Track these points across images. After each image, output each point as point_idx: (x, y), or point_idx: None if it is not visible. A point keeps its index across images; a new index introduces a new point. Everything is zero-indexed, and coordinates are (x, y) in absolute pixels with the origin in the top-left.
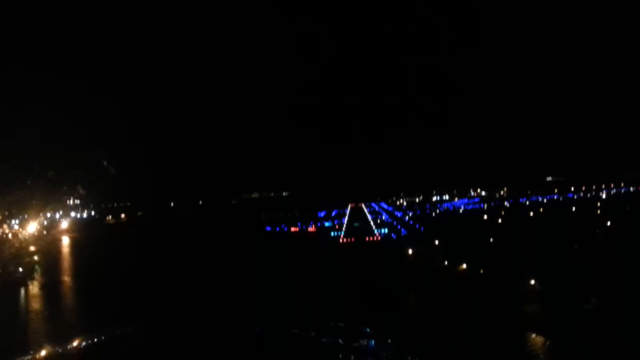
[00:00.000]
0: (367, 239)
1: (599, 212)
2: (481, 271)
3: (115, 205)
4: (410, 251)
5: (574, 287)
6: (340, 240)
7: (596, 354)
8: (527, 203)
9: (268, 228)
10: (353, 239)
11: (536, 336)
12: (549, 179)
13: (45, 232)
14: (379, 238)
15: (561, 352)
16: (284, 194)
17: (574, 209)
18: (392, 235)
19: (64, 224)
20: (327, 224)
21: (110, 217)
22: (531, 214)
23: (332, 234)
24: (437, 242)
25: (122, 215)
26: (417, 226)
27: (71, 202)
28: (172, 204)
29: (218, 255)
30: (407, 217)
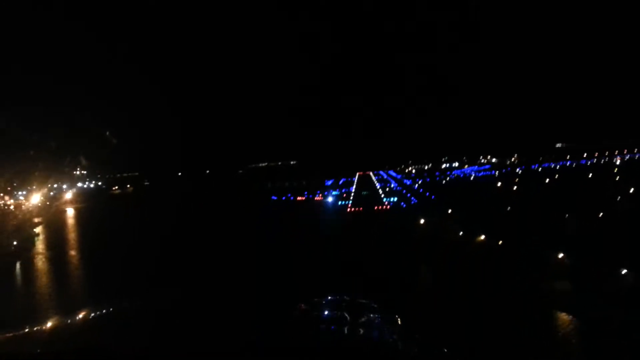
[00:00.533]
0: (375, 208)
1: (618, 178)
2: (500, 242)
3: (122, 175)
4: (421, 221)
5: (605, 260)
6: (348, 210)
7: (631, 335)
8: (540, 170)
9: (274, 197)
10: (361, 209)
11: (565, 315)
12: (559, 145)
13: (48, 203)
14: (388, 207)
15: (593, 333)
16: (292, 163)
17: (590, 175)
18: (402, 204)
19: (69, 195)
20: (334, 193)
21: (116, 187)
22: (547, 180)
23: (339, 202)
24: (450, 211)
25: (128, 185)
26: (427, 194)
27: (77, 172)
28: (179, 174)
29: (222, 225)
30: (416, 185)
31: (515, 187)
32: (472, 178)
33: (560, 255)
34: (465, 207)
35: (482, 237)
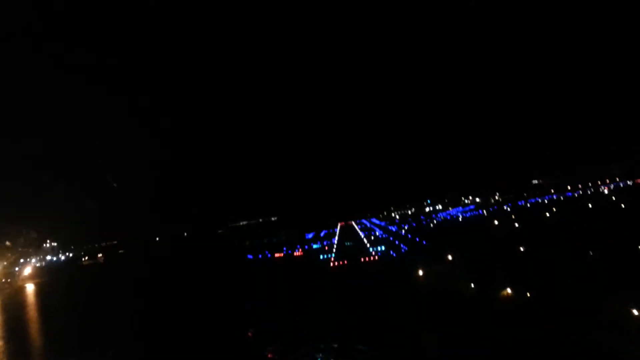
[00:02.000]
0: (362, 259)
1: (623, 206)
2: (528, 295)
3: (99, 245)
4: (420, 272)
5: None
6: (331, 264)
7: None
8: (528, 205)
9: (249, 256)
10: (346, 262)
11: None
12: (535, 181)
13: (4, 280)
14: (376, 258)
15: None
16: (272, 219)
17: (590, 205)
18: (392, 252)
19: (27, 270)
20: (315, 246)
21: (86, 257)
22: (547, 214)
23: (321, 256)
24: (450, 257)
25: (99, 255)
26: (417, 240)
27: (47, 245)
28: (157, 239)
29: (189, 298)
30: (403, 231)
31: (516, 225)
32: (460, 219)
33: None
34: (466, 251)
35: (506, 290)
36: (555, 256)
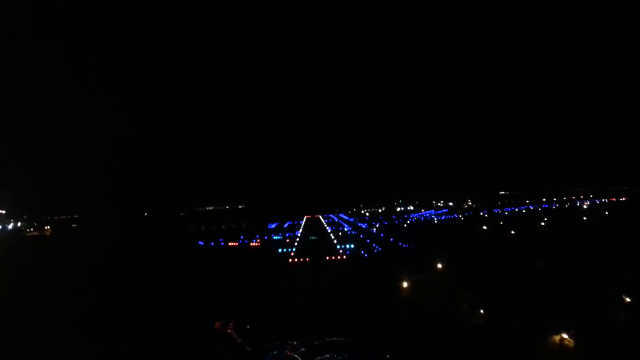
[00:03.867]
0: (327, 258)
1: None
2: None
3: (53, 218)
4: (397, 280)
5: None
6: (290, 260)
7: None
8: (505, 213)
9: (201, 243)
10: (308, 259)
11: None
12: (502, 192)
13: None
14: (344, 257)
15: None
16: (240, 207)
17: (584, 216)
18: (362, 253)
19: None
20: (275, 238)
21: (31, 229)
22: (542, 223)
23: (280, 250)
24: (433, 264)
25: (47, 227)
26: (391, 240)
27: None
28: (116, 216)
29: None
30: (374, 229)
31: (508, 232)
32: (435, 221)
33: None
34: (453, 258)
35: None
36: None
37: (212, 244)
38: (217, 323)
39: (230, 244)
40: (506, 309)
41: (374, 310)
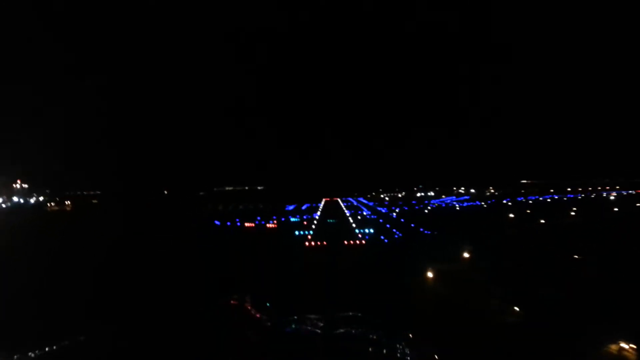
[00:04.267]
0: (345, 242)
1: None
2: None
3: (76, 193)
4: (421, 269)
5: None
6: (307, 244)
7: None
8: (530, 202)
9: (217, 222)
10: (325, 243)
11: None
12: (524, 181)
13: None
14: (363, 242)
15: None
16: (259, 188)
17: (615, 207)
18: (382, 238)
19: None
20: (293, 220)
21: (52, 204)
22: (572, 213)
23: (296, 233)
24: (465, 254)
25: (67, 202)
26: (412, 226)
27: (17, 185)
28: (136, 193)
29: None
30: (394, 214)
31: (541, 221)
32: (458, 208)
33: None
34: (486, 248)
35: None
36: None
37: (228, 223)
38: (232, 299)
39: (246, 224)
40: (544, 307)
41: (395, 301)
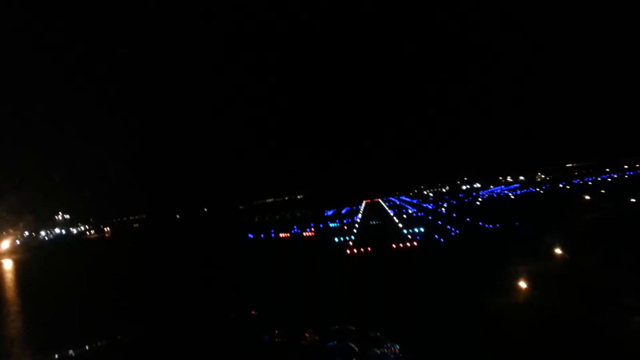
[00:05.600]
0: (393, 246)
1: None
2: None
3: (116, 219)
4: (520, 283)
5: None
6: (348, 252)
7: None
8: (590, 183)
9: (250, 235)
10: (370, 249)
11: None
12: (569, 165)
13: None
14: (415, 244)
15: None
16: (299, 197)
17: None
18: (437, 237)
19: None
20: (332, 225)
21: (92, 232)
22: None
23: (336, 239)
24: (554, 247)
25: (107, 229)
26: (467, 220)
27: (59, 217)
28: (177, 215)
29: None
30: (443, 209)
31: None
32: (512, 197)
33: None
34: (576, 239)
35: None
36: None
37: (262, 236)
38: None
39: (281, 235)
40: None
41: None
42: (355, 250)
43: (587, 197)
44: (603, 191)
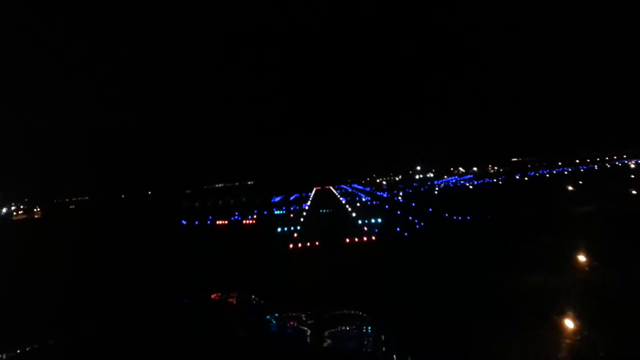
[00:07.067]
0: (347, 240)
1: None
2: None
3: (65, 200)
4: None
5: None
6: (291, 246)
7: None
8: (547, 176)
9: (184, 222)
10: (317, 243)
11: None
12: (514, 159)
13: None
14: (373, 238)
15: None
16: (249, 182)
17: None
18: (399, 230)
19: None
20: (277, 212)
21: (19, 212)
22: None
23: (279, 229)
24: (580, 257)
25: (36, 209)
26: (430, 211)
27: None
28: (122, 196)
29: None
30: (399, 198)
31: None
32: (471, 187)
33: None
34: (581, 239)
35: None
36: None
37: (197, 223)
38: (214, 295)
39: (218, 222)
40: None
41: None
42: (299, 244)
43: (570, 188)
44: (580, 182)
